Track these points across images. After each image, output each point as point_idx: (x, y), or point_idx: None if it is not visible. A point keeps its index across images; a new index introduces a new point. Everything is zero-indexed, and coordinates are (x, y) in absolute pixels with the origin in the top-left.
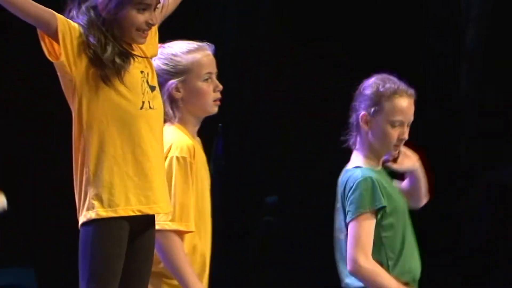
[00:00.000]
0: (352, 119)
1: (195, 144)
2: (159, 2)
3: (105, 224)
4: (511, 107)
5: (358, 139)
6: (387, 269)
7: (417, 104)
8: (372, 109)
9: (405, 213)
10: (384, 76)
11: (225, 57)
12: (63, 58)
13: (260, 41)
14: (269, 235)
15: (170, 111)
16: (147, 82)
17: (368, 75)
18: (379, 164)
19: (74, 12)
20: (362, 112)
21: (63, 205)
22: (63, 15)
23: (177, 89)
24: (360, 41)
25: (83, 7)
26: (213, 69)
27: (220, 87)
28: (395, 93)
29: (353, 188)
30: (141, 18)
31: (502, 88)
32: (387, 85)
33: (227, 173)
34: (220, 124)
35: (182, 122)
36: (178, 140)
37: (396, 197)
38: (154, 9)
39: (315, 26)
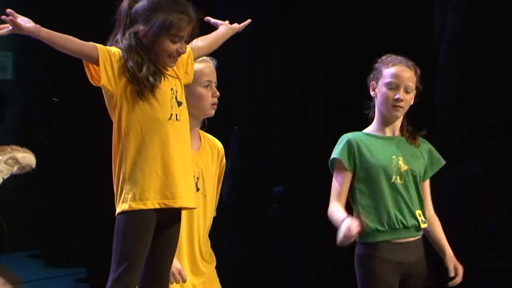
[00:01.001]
0: (369, 93)
1: None
2: (189, 35)
3: (135, 215)
4: (478, 113)
5: (374, 110)
6: (363, 215)
7: None
8: (376, 77)
9: (382, 172)
10: (391, 54)
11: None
12: (103, 81)
13: (266, 51)
14: (276, 220)
15: None
16: (176, 98)
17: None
18: (386, 132)
19: (119, 37)
20: (371, 82)
21: (109, 198)
22: (110, 38)
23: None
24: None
25: (127, 33)
26: (213, 78)
27: (217, 93)
28: (392, 62)
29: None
30: (173, 47)
31: (471, 98)
32: (389, 58)
33: (241, 167)
34: (235, 127)
35: None
36: None
37: (377, 157)
38: (185, 41)
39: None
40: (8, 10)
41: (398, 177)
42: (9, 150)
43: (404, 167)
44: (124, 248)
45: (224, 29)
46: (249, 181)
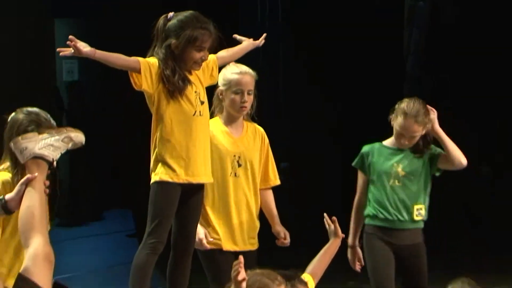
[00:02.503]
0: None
1: (219, 128)
2: (212, 45)
3: (164, 185)
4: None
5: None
6: (372, 213)
7: (370, 109)
8: (392, 118)
9: (387, 176)
10: (409, 99)
11: None
12: (144, 86)
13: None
14: (282, 190)
15: (218, 107)
16: (199, 98)
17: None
18: (398, 145)
19: (157, 48)
20: (394, 117)
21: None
22: (150, 49)
23: (221, 94)
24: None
25: (163, 45)
26: (245, 87)
27: (245, 100)
28: (402, 113)
29: None
30: (198, 55)
31: (431, 97)
32: (401, 106)
33: None
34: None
35: (221, 114)
36: None
37: (381, 165)
38: (208, 50)
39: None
40: (70, 37)
41: (396, 181)
42: (65, 131)
43: (401, 173)
44: (156, 209)
45: (246, 43)
46: None
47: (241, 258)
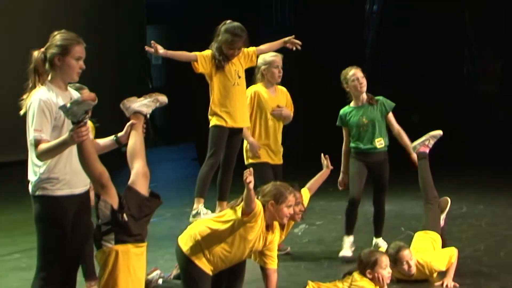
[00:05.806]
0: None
1: (260, 90)
2: (242, 46)
3: (217, 128)
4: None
5: (350, 95)
6: (354, 146)
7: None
8: (346, 82)
9: (355, 126)
10: (344, 70)
11: None
12: (200, 70)
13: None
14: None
15: (260, 78)
16: (237, 74)
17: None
18: (359, 103)
19: (215, 39)
20: (344, 85)
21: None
22: (212, 43)
23: (264, 70)
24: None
25: (217, 39)
26: (280, 63)
27: (281, 72)
28: (351, 72)
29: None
30: (230, 51)
31: (392, 82)
32: (346, 74)
33: None
34: None
35: (263, 83)
36: (252, 88)
37: (354, 119)
38: (239, 49)
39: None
40: (152, 41)
41: (363, 126)
42: (154, 95)
43: (365, 121)
44: (212, 142)
45: (282, 41)
46: None
47: (251, 169)
